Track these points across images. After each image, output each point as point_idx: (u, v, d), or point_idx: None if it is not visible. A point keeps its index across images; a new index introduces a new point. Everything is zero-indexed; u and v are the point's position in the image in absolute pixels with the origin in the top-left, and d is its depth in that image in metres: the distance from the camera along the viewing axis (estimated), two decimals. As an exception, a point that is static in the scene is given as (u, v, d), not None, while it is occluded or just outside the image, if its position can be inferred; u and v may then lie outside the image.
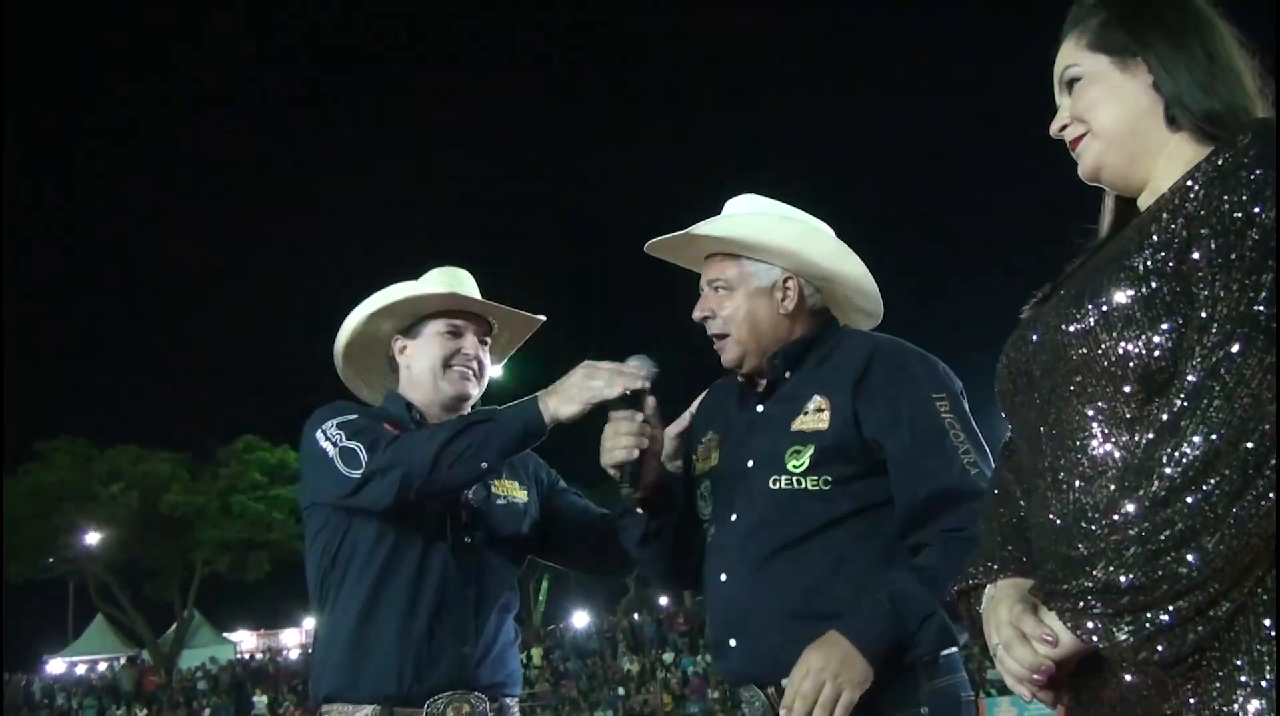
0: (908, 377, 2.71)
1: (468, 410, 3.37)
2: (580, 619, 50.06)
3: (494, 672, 3.19)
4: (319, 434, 3.16)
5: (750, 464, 2.74)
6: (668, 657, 38.43)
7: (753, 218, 2.88)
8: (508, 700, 3.23)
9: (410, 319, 3.36)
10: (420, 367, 3.34)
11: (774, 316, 2.84)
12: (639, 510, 2.96)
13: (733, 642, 2.68)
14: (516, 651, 3.32)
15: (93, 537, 40.73)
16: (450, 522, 3.19)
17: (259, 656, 47.95)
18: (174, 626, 44.27)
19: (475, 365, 3.35)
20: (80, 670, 46.14)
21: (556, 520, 3.49)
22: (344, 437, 3.10)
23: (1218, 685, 1.57)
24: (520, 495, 3.39)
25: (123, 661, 45.15)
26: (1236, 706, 1.55)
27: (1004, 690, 27.56)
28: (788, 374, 2.81)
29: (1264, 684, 1.54)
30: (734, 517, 2.74)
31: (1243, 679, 1.56)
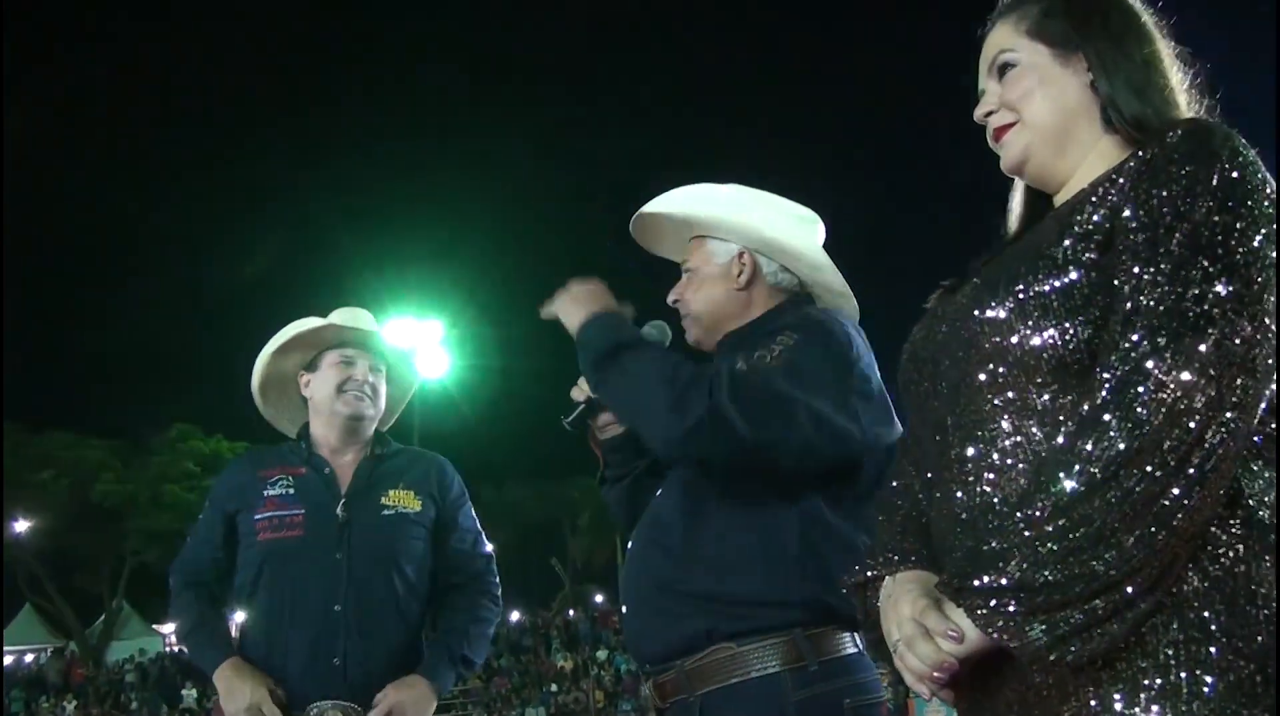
0: (781, 320, 2.65)
1: (366, 431, 3.71)
2: (514, 615, 49.97)
3: (372, 683, 3.35)
4: None
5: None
6: (601, 655, 38.41)
7: (704, 190, 2.85)
8: None
9: (311, 354, 3.72)
10: (320, 396, 3.68)
11: (728, 293, 2.79)
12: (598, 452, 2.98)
13: (624, 610, 2.70)
14: (408, 663, 3.46)
15: (22, 525, 40.18)
16: (321, 542, 3.46)
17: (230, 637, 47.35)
18: (103, 617, 43.77)
19: (368, 389, 3.68)
20: (7, 661, 45.48)
21: (440, 539, 3.72)
22: None
23: (1121, 686, 1.54)
24: (414, 505, 3.63)
25: (50, 653, 44.57)
26: (1139, 709, 1.52)
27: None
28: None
29: (1168, 687, 1.51)
30: (660, 492, 2.72)
31: (1147, 681, 1.52)
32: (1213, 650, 1.51)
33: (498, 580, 3.82)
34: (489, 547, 3.82)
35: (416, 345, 33.01)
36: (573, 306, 2.66)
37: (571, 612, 46.37)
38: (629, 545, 2.74)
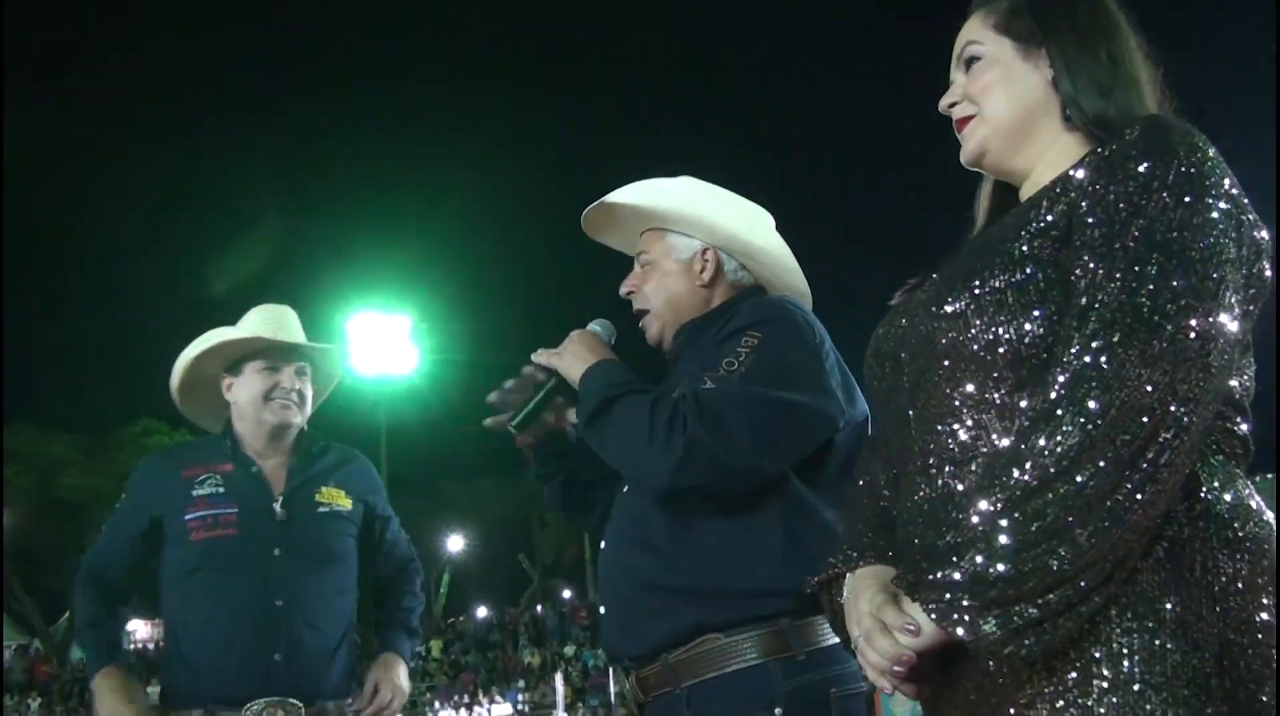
0: (740, 317, 2.63)
1: (291, 437, 3.70)
2: (482, 611, 49.94)
3: (311, 679, 3.40)
4: None
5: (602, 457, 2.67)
6: (569, 651, 38.43)
7: (666, 184, 2.85)
8: (329, 704, 3.43)
9: (231, 358, 3.68)
10: (244, 401, 3.65)
11: (691, 289, 2.79)
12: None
13: (603, 609, 2.68)
14: (344, 657, 3.53)
15: (-16, 521, 39.86)
16: (256, 539, 3.47)
17: (152, 646, 47.23)
18: (67, 615, 43.46)
19: (294, 397, 3.66)
20: (-32, 660, 45.14)
21: (371, 534, 3.81)
22: None
23: (1074, 675, 1.55)
24: (345, 503, 3.67)
25: (13, 650, 44.24)
26: (1092, 700, 1.53)
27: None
28: (683, 354, 2.76)
29: (1121, 677, 1.52)
30: (626, 488, 2.71)
31: (1099, 671, 1.54)
32: (1167, 643, 1.52)
33: (417, 559, 3.98)
34: (405, 533, 3.96)
35: (383, 338, 32.99)
36: (572, 360, 2.66)
37: (539, 608, 46.33)
38: (603, 543, 2.74)
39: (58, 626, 43.06)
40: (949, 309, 1.74)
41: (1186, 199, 1.60)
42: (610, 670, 34.98)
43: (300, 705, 3.33)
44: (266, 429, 3.62)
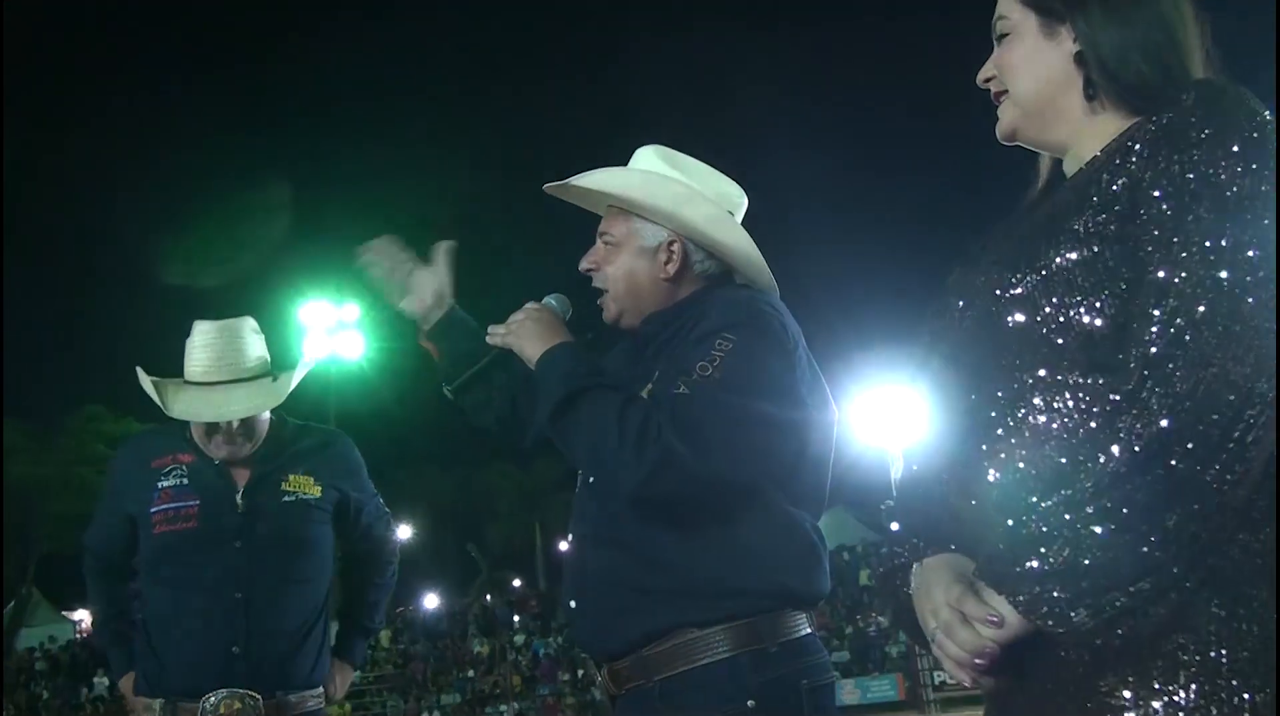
0: (712, 317, 2.58)
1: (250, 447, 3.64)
2: (431, 600, 49.78)
3: (272, 671, 3.43)
4: None
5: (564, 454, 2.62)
6: (519, 640, 38.39)
7: (636, 174, 2.79)
8: (291, 697, 3.46)
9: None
10: (195, 430, 3.59)
11: (654, 279, 2.74)
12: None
13: (573, 603, 2.65)
14: (310, 648, 3.55)
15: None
16: (216, 532, 3.48)
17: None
18: (12, 604, 42.93)
19: (238, 436, 3.54)
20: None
21: (346, 520, 3.79)
22: None
23: (1160, 662, 1.51)
24: (314, 491, 3.64)
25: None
26: (1177, 686, 1.49)
27: (847, 672, 28.14)
28: (649, 348, 2.72)
29: (1208, 662, 1.48)
30: (591, 480, 2.67)
31: (1185, 657, 1.49)
32: (1253, 627, 1.50)
33: (395, 539, 4.02)
34: (386, 509, 3.96)
35: (332, 327, 32.77)
36: (528, 340, 2.64)
37: (489, 598, 46.26)
38: (571, 540, 2.72)
39: (2, 616, 42.51)
40: (1014, 292, 1.70)
41: (1254, 165, 1.57)
42: (559, 658, 35.04)
43: (258, 697, 3.35)
44: (217, 453, 3.57)
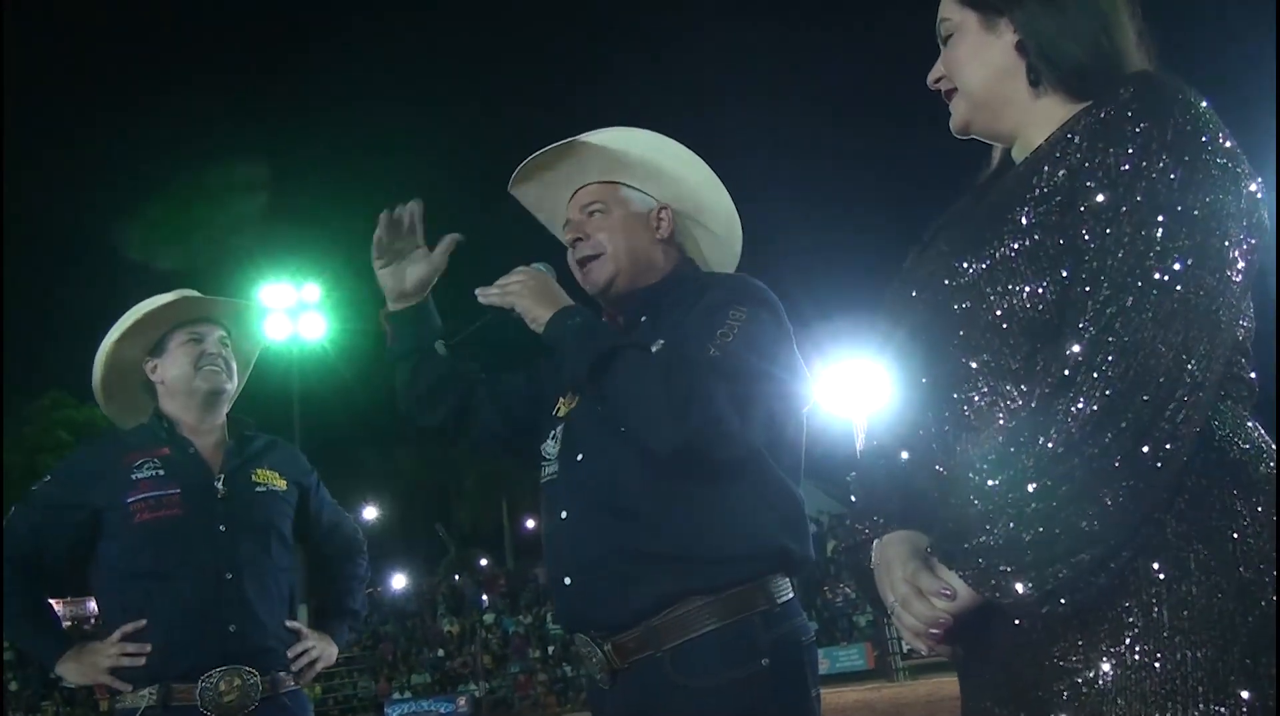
0: (716, 290, 2.67)
1: (225, 406, 3.78)
2: (399, 581, 49.80)
3: (260, 647, 3.47)
4: None
5: (601, 408, 2.64)
6: (488, 618, 38.44)
7: (631, 133, 2.86)
8: (280, 674, 3.52)
9: (153, 339, 3.72)
10: (173, 376, 3.69)
11: (649, 242, 2.83)
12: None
13: (568, 580, 2.64)
14: (284, 626, 3.61)
15: (-111, 499, 39.00)
16: (200, 517, 3.51)
17: (65, 625, 46.53)
18: (-25, 593, 42.63)
19: (221, 362, 3.71)
20: (-126, 640, 44.18)
21: (309, 517, 3.89)
22: None
23: (1105, 626, 1.60)
24: (280, 484, 3.73)
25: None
26: (1123, 647, 1.58)
27: (815, 643, 28.29)
28: (643, 318, 2.77)
29: (1151, 624, 1.58)
30: (580, 457, 2.69)
31: (1130, 620, 1.59)
32: (1193, 588, 1.58)
33: (362, 536, 4.12)
34: (342, 509, 4.08)
35: (293, 308, 32.61)
36: (532, 301, 2.67)
37: (457, 577, 46.27)
38: (558, 511, 2.71)
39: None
40: (961, 279, 1.78)
41: (1185, 158, 1.64)
42: (529, 635, 35.10)
43: (255, 671, 3.40)
44: (199, 398, 3.66)
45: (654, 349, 2.56)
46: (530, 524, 54.51)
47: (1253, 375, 1.78)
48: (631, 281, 2.81)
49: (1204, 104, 1.70)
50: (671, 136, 2.86)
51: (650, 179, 2.87)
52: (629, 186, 2.88)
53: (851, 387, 25.75)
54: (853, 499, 2.02)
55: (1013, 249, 1.73)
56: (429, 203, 2.90)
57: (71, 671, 3.48)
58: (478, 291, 2.75)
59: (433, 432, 3.04)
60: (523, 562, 50.26)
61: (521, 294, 2.69)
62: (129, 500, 3.48)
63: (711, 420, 2.41)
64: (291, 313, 32.77)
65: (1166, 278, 1.57)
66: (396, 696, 33.75)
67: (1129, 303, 1.57)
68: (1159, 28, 1.94)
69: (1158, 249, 1.59)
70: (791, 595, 2.60)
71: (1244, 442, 1.68)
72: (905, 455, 1.93)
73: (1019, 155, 1.95)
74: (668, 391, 2.43)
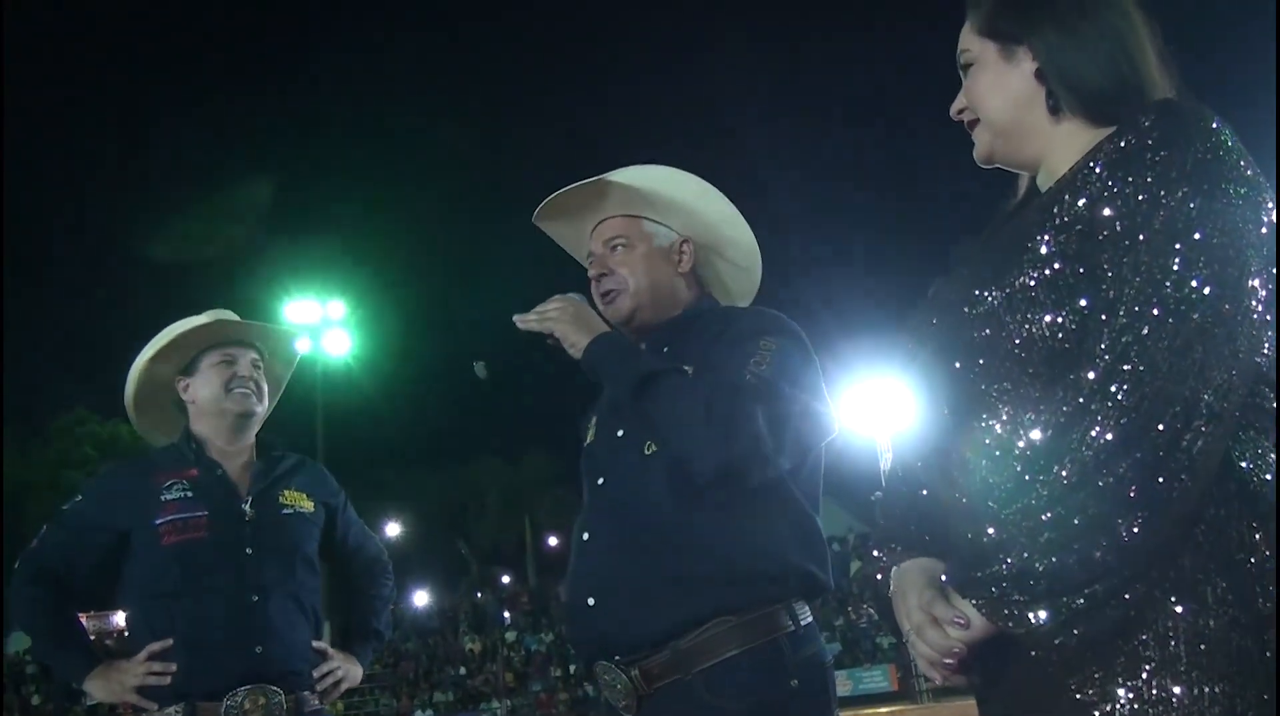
0: (743, 322, 2.74)
1: (255, 428, 3.80)
2: (421, 598, 49.80)
3: (285, 668, 3.50)
4: None
5: (621, 433, 2.72)
6: (510, 636, 38.42)
7: (652, 170, 2.91)
8: (305, 693, 3.55)
9: (186, 358, 3.74)
10: (204, 397, 3.71)
11: (671, 276, 2.90)
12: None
13: (591, 601, 2.63)
14: (309, 647, 3.63)
15: (-85, 513, 39.17)
16: (227, 540, 3.54)
17: (90, 638, 46.58)
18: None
19: (252, 385, 3.73)
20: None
21: (335, 537, 3.92)
22: None
23: (1122, 659, 1.59)
24: (307, 506, 3.76)
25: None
26: (1140, 681, 1.57)
27: (839, 664, 28.21)
28: (665, 349, 2.79)
29: (1168, 657, 1.56)
30: (601, 482, 2.73)
31: (1146, 653, 1.58)
32: (1210, 621, 1.57)
33: (387, 556, 4.14)
34: (369, 530, 4.12)
35: (317, 325, 32.74)
36: (572, 328, 2.72)
37: (479, 595, 46.28)
38: (581, 534, 2.74)
39: (-4, 618, 42.35)
40: (981, 308, 1.77)
41: (1205, 187, 1.63)
42: (551, 654, 35.06)
43: (280, 691, 3.43)
44: (230, 421, 3.69)
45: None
46: (553, 541, 54.50)
47: (1273, 402, 1.74)
48: (654, 314, 2.88)
49: (1227, 131, 1.69)
50: (694, 153, 2.89)
51: (671, 213, 2.92)
52: (651, 220, 2.93)
53: (875, 406, 25.71)
54: (879, 521, 2.03)
55: (1032, 278, 1.73)
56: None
57: (99, 688, 3.50)
58: (516, 318, 2.79)
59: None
60: (545, 580, 50.19)
61: (560, 320, 2.74)
62: (157, 522, 3.51)
63: (751, 443, 2.45)
64: (316, 329, 32.91)
65: (1183, 307, 1.56)
66: (419, 714, 33.76)
67: (1145, 332, 1.56)
68: (1159, 28, 1.93)
69: (1175, 278, 1.58)
70: (811, 618, 2.62)
71: (1266, 474, 1.65)
72: (925, 482, 1.94)
73: (1044, 183, 1.94)
74: (709, 415, 2.47)
